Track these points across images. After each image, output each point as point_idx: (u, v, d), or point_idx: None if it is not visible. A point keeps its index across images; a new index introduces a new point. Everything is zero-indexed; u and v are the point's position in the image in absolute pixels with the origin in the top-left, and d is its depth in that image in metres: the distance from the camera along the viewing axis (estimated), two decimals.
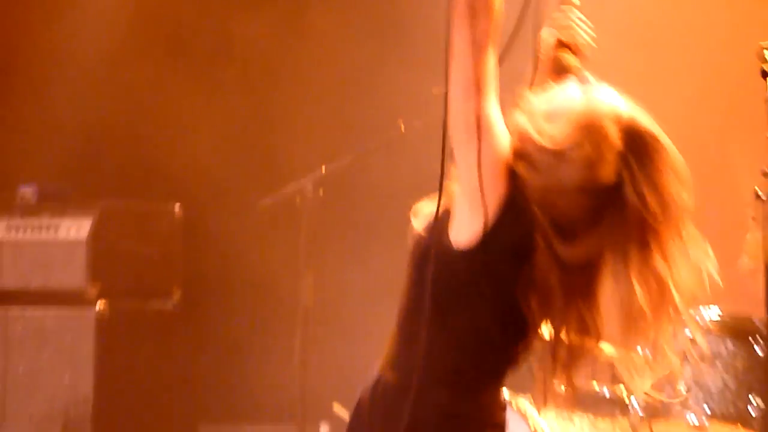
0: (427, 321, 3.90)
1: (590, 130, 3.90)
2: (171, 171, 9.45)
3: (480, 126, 3.72)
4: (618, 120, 3.92)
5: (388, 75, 9.64)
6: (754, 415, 6.12)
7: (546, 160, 3.87)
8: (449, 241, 3.92)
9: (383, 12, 10.70)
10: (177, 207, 8.98)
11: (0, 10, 10.45)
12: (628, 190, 3.85)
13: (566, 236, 3.86)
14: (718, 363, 6.31)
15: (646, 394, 6.58)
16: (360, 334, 7.78)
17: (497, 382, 4.04)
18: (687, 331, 5.92)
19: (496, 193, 3.79)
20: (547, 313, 3.90)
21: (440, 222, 3.99)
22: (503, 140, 3.83)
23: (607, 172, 3.85)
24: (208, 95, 10.30)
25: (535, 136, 3.89)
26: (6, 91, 9.97)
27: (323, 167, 7.84)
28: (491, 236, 3.77)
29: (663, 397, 6.47)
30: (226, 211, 9.33)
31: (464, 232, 3.86)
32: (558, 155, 3.85)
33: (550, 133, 3.89)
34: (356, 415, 4.15)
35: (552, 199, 3.85)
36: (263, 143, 9.42)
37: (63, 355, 8.51)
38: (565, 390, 3.97)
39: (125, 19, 10.74)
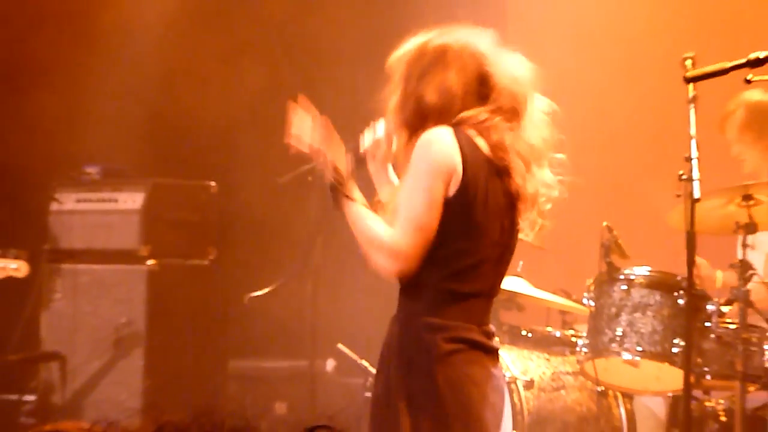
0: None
1: None
2: (209, 153, 9.81)
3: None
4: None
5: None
6: (676, 352, 6.20)
7: None
8: None
9: None
10: (213, 184, 9.09)
11: (63, 7, 10.05)
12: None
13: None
14: (648, 312, 6.36)
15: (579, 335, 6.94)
16: (360, 286, 7.88)
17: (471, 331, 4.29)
18: (623, 286, 6.45)
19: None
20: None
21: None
22: None
23: None
24: (240, 91, 10.00)
25: None
26: (74, 86, 9.70)
27: (307, 167, 7.71)
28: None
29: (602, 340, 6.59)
30: (252, 186, 9.40)
31: None
32: None
33: None
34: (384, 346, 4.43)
35: None
36: (282, 130, 9.17)
37: (120, 301, 8.58)
38: None
39: (174, 18, 10.20)
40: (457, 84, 4.31)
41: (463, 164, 4.16)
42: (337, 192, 4.37)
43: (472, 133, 4.26)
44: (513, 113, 4.30)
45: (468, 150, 4.20)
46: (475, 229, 4.27)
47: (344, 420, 4.27)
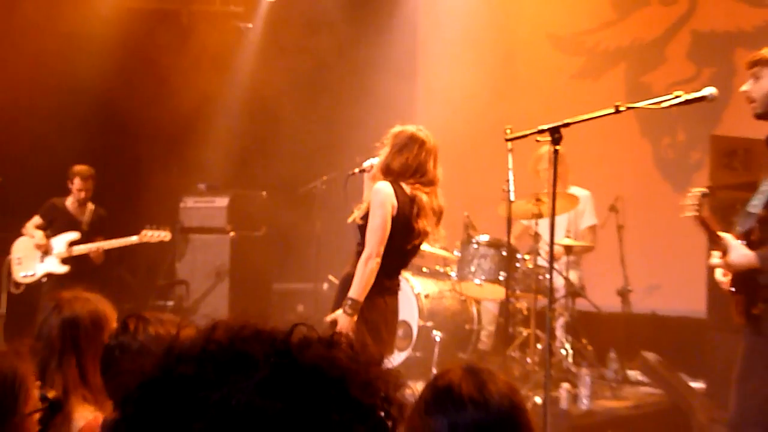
0: (361, 246, 4.40)
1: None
2: (262, 174, 9.37)
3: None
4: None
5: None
6: (501, 279, 6.22)
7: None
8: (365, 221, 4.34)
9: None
10: (264, 193, 9.15)
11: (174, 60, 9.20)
12: None
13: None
14: (487, 258, 6.40)
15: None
16: (345, 249, 6.62)
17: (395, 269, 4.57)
18: (474, 245, 6.54)
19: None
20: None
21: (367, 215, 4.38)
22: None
23: None
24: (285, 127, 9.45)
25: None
26: (194, 132, 9.43)
27: (324, 178, 8.01)
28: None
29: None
30: (285, 194, 9.03)
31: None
32: None
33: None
34: (340, 284, 4.58)
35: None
36: (302, 157, 9.05)
37: (216, 254, 8.72)
38: None
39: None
40: (409, 163, 4.38)
41: (397, 201, 4.31)
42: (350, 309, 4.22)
43: (406, 187, 4.37)
44: (431, 183, 4.44)
45: (399, 194, 4.32)
46: (410, 233, 4.42)
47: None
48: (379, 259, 4.30)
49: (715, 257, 3.93)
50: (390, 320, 4.54)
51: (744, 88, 3.83)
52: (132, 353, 2.22)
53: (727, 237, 3.84)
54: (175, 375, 1.00)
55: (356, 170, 4.82)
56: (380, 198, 4.32)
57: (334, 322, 4.25)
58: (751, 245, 3.76)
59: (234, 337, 1.02)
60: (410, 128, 4.49)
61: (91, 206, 7.58)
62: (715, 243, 3.88)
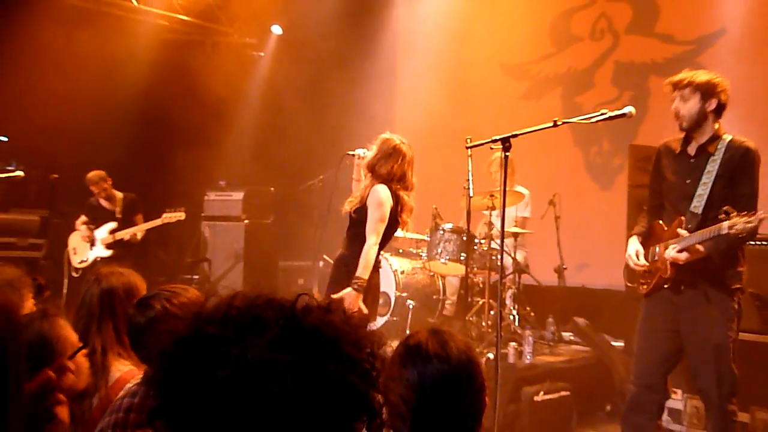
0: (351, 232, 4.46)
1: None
2: (270, 173, 9.25)
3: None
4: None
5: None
6: (462, 259, 6.10)
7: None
8: (357, 213, 4.37)
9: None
10: (272, 189, 9.09)
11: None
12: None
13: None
14: (451, 242, 6.26)
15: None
16: (336, 234, 7.43)
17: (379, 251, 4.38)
18: (440, 231, 6.28)
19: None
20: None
21: (359, 208, 4.37)
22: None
23: None
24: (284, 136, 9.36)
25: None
26: (210, 137, 9.34)
27: (321, 177, 7.79)
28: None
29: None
30: (289, 189, 9.03)
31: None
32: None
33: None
34: (335, 262, 4.55)
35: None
36: (302, 160, 8.98)
37: (233, 237, 8.65)
38: None
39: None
40: (395, 170, 4.35)
41: (395, 201, 4.32)
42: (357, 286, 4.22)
43: (396, 186, 4.36)
44: (409, 188, 4.41)
45: (398, 196, 4.34)
46: (393, 224, 4.40)
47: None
48: (377, 247, 4.30)
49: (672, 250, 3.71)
50: (374, 291, 4.51)
51: (673, 106, 3.76)
52: (152, 322, 2.20)
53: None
54: (203, 334, 1.01)
55: (350, 152, 4.77)
56: (381, 198, 4.30)
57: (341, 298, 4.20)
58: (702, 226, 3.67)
59: (250, 304, 1.03)
60: (396, 139, 4.45)
61: (119, 195, 7.42)
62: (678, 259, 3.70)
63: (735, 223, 3.34)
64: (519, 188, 6.80)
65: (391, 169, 4.36)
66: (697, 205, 3.68)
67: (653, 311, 3.90)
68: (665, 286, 3.78)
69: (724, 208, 3.46)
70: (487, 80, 8.99)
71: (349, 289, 4.22)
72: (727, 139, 3.68)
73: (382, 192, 4.30)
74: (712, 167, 3.65)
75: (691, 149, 3.78)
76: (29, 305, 2.43)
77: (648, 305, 3.92)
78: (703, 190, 3.67)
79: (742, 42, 7.08)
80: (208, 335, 1.00)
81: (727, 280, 3.67)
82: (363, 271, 4.23)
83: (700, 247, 3.60)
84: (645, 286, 3.90)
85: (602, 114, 3.78)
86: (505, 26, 8.82)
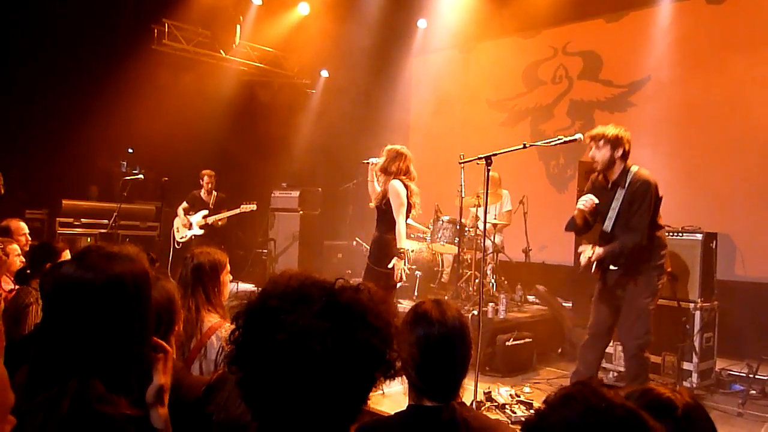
0: (379, 219, 4.40)
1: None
2: (318, 178, 9.28)
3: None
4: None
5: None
6: (456, 241, 5.94)
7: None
8: (383, 205, 4.33)
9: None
10: (320, 189, 9.00)
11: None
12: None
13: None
14: (447, 229, 6.18)
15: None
16: (367, 222, 7.27)
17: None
18: (440, 222, 6.09)
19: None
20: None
21: (383, 201, 4.34)
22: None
23: None
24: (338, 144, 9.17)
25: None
26: (275, 151, 9.19)
27: (354, 181, 7.87)
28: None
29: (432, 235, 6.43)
30: (332, 189, 8.86)
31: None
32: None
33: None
34: (372, 243, 4.46)
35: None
36: (341, 168, 8.70)
37: (291, 223, 8.60)
38: None
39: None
40: (401, 167, 4.31)
41: (406, 189, 4.29)
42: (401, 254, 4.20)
43: (404, 178, 4.31)
44: (412, 178, 4.34)
45: (406, 185, 4.29)
46: (410, 206, 4.33)
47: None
48: (405, 222, 4.28)
49: (587, 249, 3.81)
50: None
51: (590, 153, 3.72)
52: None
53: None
54: (267, 305, 1.00)
55: (366, 161, 4.71)
56: (398, 189, 4.27)
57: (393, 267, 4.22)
58: (611, 239, 3.74)
59: (301, 284, 1.01)
60: (397, 146, 4.43)
61: (215, 193, 7.33)
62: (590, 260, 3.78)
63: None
64: (503, 191, 6.75)
65: (398, 167, 4.32)
66: (608, 224, 3.71)
67: (602, 285, 3.87)
68: (609, 267, 3.79)
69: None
70: (476, 111, 8.83)
71: (395, 259, 4.22)
72: (633, 171, 3.65)
73: (398, 184, 4.27)
74: (620, 195, 3.65)
75: (608, 184, 3.76)
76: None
77: (600, 281, 3.89)
78: (612, 213, 3.69)
79: (663, 86, 7.00)
80: (270, 306, 0.99)
81: (650, 263, 3.68)
82: (402, 243, 4.22)
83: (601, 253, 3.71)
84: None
85: (559, 139, 3.82)
86: (490, 72, 8.67)
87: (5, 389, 1.03)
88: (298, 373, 0.93)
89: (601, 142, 3.64)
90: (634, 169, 3.65)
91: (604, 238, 3.74)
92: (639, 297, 3.65)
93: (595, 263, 3.77)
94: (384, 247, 4.30)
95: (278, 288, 1.01)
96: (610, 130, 3.64)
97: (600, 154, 3.66)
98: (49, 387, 1.24)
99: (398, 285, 4.42)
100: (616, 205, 3.66)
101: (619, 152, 3.64)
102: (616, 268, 3.76)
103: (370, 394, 1.02)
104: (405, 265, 4.26)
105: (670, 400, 1.15)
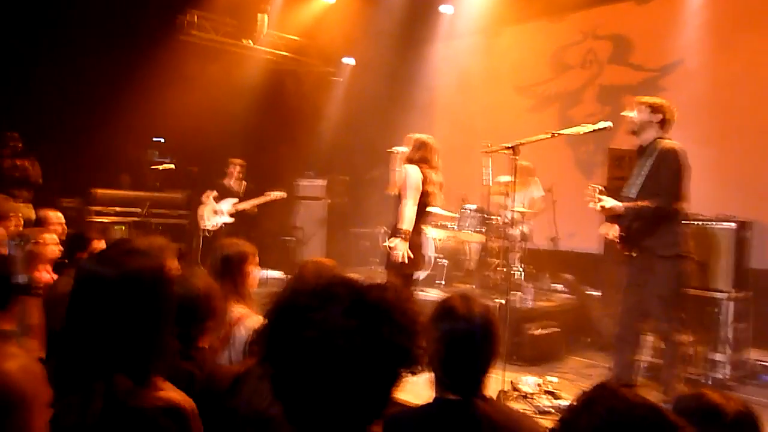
0: (397, 207, 4.29)
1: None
2: (345, 166, 9.31)
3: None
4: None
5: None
6: (482, 230, 6.21)
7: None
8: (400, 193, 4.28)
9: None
10: (347, 177, 9.11)
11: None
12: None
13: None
14: (474, 218, 6.35)
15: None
16: (390, 209, 7.55)
17: (421, 222, 4.34)
18: (466, 211, 6.20)
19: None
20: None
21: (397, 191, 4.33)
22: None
23: None
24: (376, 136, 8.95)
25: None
26: (302, 139, 9.15)
27: (378, 170, 7.70)
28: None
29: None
30: (358, 177, 9.09)
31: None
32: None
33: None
34: (391, 229, 4.36)
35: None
36: (367, 156, 8.77)
37: (315, 211, 8.75)
38: None
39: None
40: (425, 155, 4.31)
41: (422, 175, 4.26)
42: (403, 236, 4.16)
43: (422, 166, 4.28)
44: (434, 167, 4.33)
45: (423, 172, 4.26)
46: (426, 194, 4.29)
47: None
48: (413, 207, 4.21)
49: (604, 228, 3.91)
50: (419, 249, 4.44)
51: (627, 113, 3.84)
52: None
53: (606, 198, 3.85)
54: (297, 303, 1.02)
55: (390, 150, 4.69)
56: (410, 172, 4.27)
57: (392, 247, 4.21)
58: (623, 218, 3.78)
59: (330, 283, 1.03)
60: (422, 136, 4.42)
61: (244, 183, 7.38)
62: (603, 209, 3.84)
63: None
64: (534, 178, 6.72)
65: (422, 155, 4.31)
66: (633, 191, 3.77)
67: (625, 273, 3.90)
68: (627, 253, 3.84)
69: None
70: (503, 97, 8.72)
71: (395, 239, 4.18)
72: (664, 143, 3.71)
73: (410, 168, 4.26)
74: (648, 163, 3.72)
75: (639, 150, 3.86)
76: (174, 265, 2.47)
77: (624, 269, 3.92)
78: (639, 180, 3.77)
79: (695, 69, 6.85)
80: (300, 304, 1.01)
81: (666, 250, 3.68)
82: (402, 223, 4.18)
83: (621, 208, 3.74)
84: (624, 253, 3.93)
85: (587, 127, 3.81)
86: (517, 58, 8.53)
87: (43, 383, 1.05)
88: (326, 369, 0.95)
89: (643, 106, 3.74)
90: (666, 142, 3.69)
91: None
92: (659, 283, 3.66)
93: (620, 242, 3.79)
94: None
95: (307, 286, 1.03)
96: (656, 99, 3.75)
97: (638, 116, 3.75)
98: (74, 384, 1.26)
99: (420, 275, 4.44)
100: (643, 172, 3.70)
101: (658, 117, 3.70)
102: (634, 254, 3.77)
103: (396, 389, 1.03)
104: (408, 250, 4.17)
105: (720, 407, 1.17)
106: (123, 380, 1.28)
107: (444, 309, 1.67)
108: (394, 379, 1.01)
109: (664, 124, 3.72)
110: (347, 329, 0.96)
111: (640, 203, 3.64)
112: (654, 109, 3.70)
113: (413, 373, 1.03)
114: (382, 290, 1.03)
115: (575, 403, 0.96)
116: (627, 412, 0.90)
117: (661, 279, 3.65)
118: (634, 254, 3.79)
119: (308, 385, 0.97)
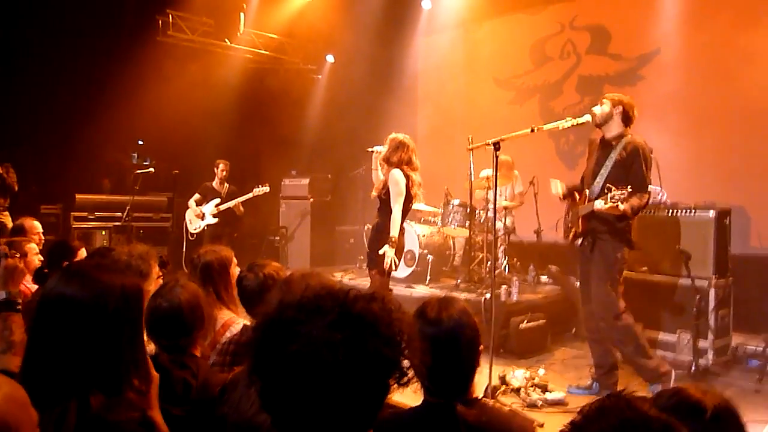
0: (380, 207, 4.38)
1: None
2: (328, 164, 9.15)
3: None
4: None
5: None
6: (467, 224, 6.06)
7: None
8: (383, 194, 4.33)
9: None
10: (330, 176, 8.98)
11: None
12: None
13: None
14: (458, 213, 6.29)
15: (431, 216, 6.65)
16: (374, 208, 7.53)
17: (402, 222, 4.30)
18: (451, 206, 6.19)
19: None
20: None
21: (383, 191, 4.35)
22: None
23: None
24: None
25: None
26: (284, 138, 9.24)
27: (363, 167, 7.69)
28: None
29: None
30: (341, 176, 8.94)
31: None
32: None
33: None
34: (373, 228, 4.46)
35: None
36: (350, 154, 8.55)
37: (302, 213, 8.53)
38: None
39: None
40: (403, 157, 4.28)
41: (405, 178, 4.27)
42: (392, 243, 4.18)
43: (405, 168, 4.28)
44: (415, 169, 4.32)
45: (407, 174, 4.27)
46: (409, 198, 4.33)
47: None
48: (401, 214, 4.28)
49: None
50: (400, 249, 4.44)
51: (593, 108, 3.99)
52: (252, 286, 2.25)
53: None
54: (283, 316, 1.01)
55: (369, 149, 4.72)
56: (397, 178, 4.26)
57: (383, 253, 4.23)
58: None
59: (316, 295, 1.01)
60: (400, 136, 4.39)
61: (227, 185, 7.32)
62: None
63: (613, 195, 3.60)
64: (515, 172, 6.73)
65: (400, 157, 4.29)
66: (599, 180, 3.90)
67: (581, 259, 4.04)
68: (576, 240, 4.01)
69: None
70: (484, 90, 8.71)
71: (386, 246, 4.19)
72: (628, 137, 3.84)
73: (397, 174, 4.26)
74: (612, 156, 3.86)
75: (602, 143, 4.02)
76: (156, 272, 2.43)
77: (580, 254, 4.05)
78: (604, 171, 3.91)
79: (673, 59, 6.87)
80: (286, 317, 1.00)
81: (611, 236, 3.83)
82: (394, 231, 4.21)
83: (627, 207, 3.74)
84: (568, 237, 4.14)
85: (568, 121, 3.94)
86: (497, 50, 8.55)
87: (28, 409, 1.03)
88: (311, 382, 0.94)
89: (605, 100, 3.90)
90: (629, 137, 3.82)
91: (593, 198, 3.86)
92: (597, 267, 3.83)
93: (573, 232, 3.98)
94: (382, 235, 4.31)
95: (293, 299, 1.02)
96: (620, 95, 3.92)
97: (600, 109, 3.91)
98: (48, 402, 1.24)
99: (400, 273, 4.41)
100: (608, 163, 3.83)
101: (618, 109, 3.85)
102: (583, 242, 3.93)
103: (385, 400, 1.01)
104: (394, 256, 4.22)
105: (699, 402, 1.16)
106: (97, 396, 1.26)
107: (417, 312, 1.63)
108: (382, 391, 1.00)
109: (626, 116, 3.86)
110: (331, 342, 0.95)
111: (638, 202, 3.70)
112: (614, 102, 3.85)
113: (401, 385, 1.01)
114: (368, 301, 1.01)
115: (588, 409, 0.94)
116: (640, 425, 0.89)
117: (598, 262, 3.83)
118: (585, 243, 3.93)
119: (295, 398, 0.96)
